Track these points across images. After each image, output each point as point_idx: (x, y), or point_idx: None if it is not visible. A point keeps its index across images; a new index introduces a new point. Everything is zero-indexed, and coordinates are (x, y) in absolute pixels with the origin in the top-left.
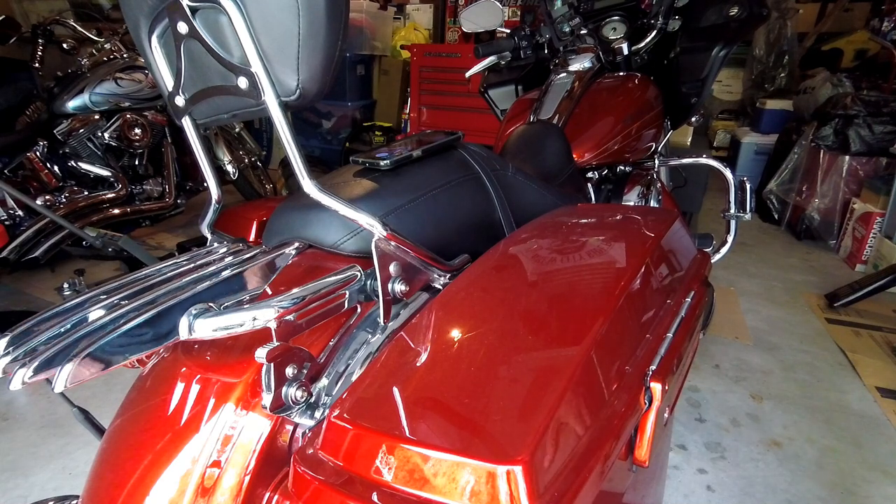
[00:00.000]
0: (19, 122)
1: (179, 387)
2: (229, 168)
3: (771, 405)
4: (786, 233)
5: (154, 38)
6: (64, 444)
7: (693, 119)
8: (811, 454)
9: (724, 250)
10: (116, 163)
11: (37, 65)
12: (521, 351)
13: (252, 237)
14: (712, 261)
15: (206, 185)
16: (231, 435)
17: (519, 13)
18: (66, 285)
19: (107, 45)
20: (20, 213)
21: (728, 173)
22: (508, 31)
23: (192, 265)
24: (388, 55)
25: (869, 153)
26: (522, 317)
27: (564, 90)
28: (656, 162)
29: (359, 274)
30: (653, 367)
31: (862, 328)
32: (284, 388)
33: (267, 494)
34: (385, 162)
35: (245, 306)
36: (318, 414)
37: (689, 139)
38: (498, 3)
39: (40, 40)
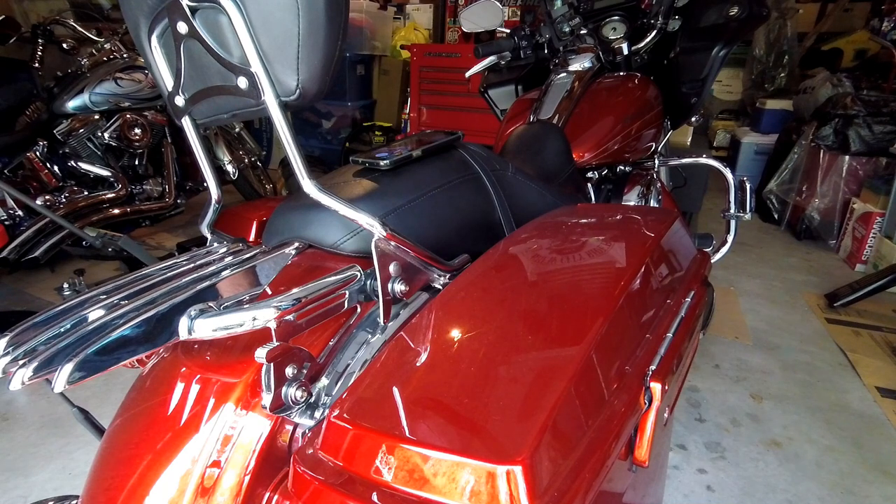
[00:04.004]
0: (19, 122)
1: (179, 387)
2: (229, 168)
3: (771, 405)
4: (786, 233)
5: (154, 38)
6: (64, 444)
7: (693, 119)
8: (811, 454)
9: (723, 250)
10: (116, 163)
11: (37, 65)
12: (520, 351)
13: (252, 237)
14: (712, 261)
15: (206, 185)
16: (231, 435)
17: (519, 13)
18: (66, 285)
19: (107, 45)
20: (20, 213)
21: (728, 173)
22: (508, 31)
23: (192, 265)
24: (388, 55)
25: (869, 153)
26: (522, 317)
27: (564, 90)
28: (656, 162)
29: (359, 274)
30: (653, 367)
31: (862, 328)
32: (284, 388)
33: (267, 494)
34: (385, 162)
35: (245, 306)
36: (318, 414)
37: (689, 139)
38: (498, 3)
39: (40, 40)
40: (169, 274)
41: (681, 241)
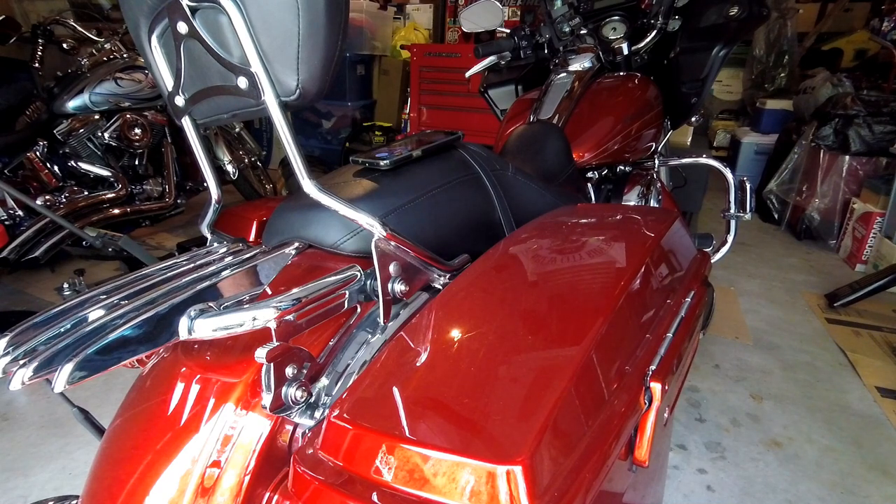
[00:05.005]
0: (19, 122)
1: (179, 387)
2: (229, 168)
3: (771, 405)
4: (786, 233)
5: (154, 38)
6: (64, 444)
7: (693, 119)
8: (811, 454)
9: (724, 250)
10: (116, 163)
11: (37, 65)
12: (520, 351)
13: (252, 237)
14: (712, 261)
15: (206, 185)
16: (231, 435)
17: (519, 13)
18: (66, 285)
19: (107, 45)
20: (20, 213)
21: (728, 173)
22: (508, 31)
23: (192, 265)
24: (388, 55)
25: (869, 153)
26: (522, 317)
27: (564, 90)
28: (656, 162)
29: (359, 274)
30: (653, 367)
31: (862, 328)
32: (284, 388)
33: (267, 494)
34: (385, 162)
35: (245, 306)
36: (318, 414)
37: (689, 139)
38: (498, 3)
39: (40, 40)
40: (169, 274)
41: (681, 241)
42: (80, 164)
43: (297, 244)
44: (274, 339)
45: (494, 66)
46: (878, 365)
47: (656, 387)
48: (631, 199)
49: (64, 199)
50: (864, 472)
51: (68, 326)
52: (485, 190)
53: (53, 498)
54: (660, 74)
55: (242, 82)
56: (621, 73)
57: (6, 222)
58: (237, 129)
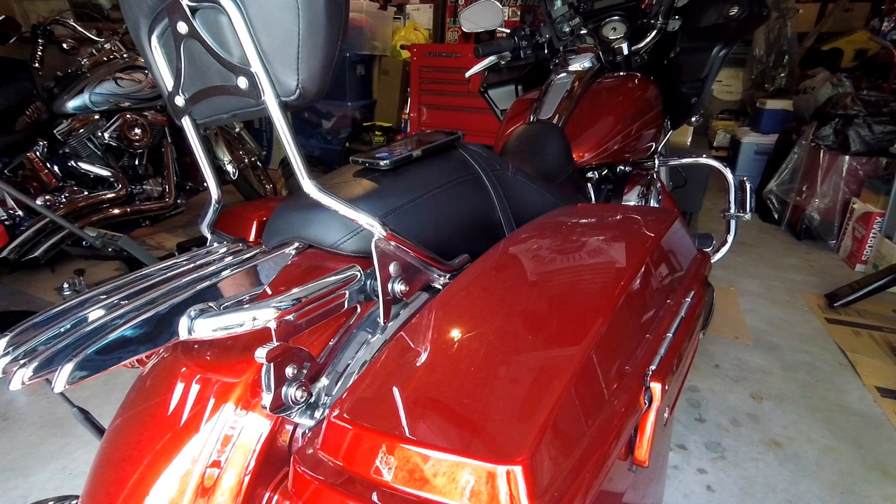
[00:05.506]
0: (19, 122)
1: (179, 387)
2: (229, 168)
3: (771, 405)
4: (786, 233)
5: (154, 38)
6: (64, 444)
7: (693, 119)
8: (811, 454)
9: (724, 250)
10: (116, 163)
11: (37, 65)
12: (520, 351)
13: (252, 237)
14: (712, 261)
15: (206, 185)
16: (231, 435)
17: (519, 13)
18: (66, 285)
19: (107, 45)
20: (20, 213)
21: (728, 173)
22: (508, 31)
23: (192, 265)
24: (388, 55)
25: (869, 153)
26: (522, 317)
27: (564, 90)
28: (656, 162)
29: (359, 274)
30: (653, 367)
31: (862, 328)
32: (284, 388)
33: (267, 494)
34: (385, 162)
35: (245, 306)
36: (318, 414)
37: (689, 139)
38: (498, 3)
39: (40, 40)
40: (169, 274)
41: (681, 241)
42: (80, 164)
43: (297, 244)
44: (274, 339)
45: (494, 66)
46: (878, 365)
47: (656, 387)
48: (631, 199)
49: (64, 199)
50: (864, 472)
51: (68, 326)
52: (485, 190)
53: (53, 498)
54: (660, 74)
55: (242, 82)
56: (621, 73)
57: (6, 222)
58: (237, 129)
